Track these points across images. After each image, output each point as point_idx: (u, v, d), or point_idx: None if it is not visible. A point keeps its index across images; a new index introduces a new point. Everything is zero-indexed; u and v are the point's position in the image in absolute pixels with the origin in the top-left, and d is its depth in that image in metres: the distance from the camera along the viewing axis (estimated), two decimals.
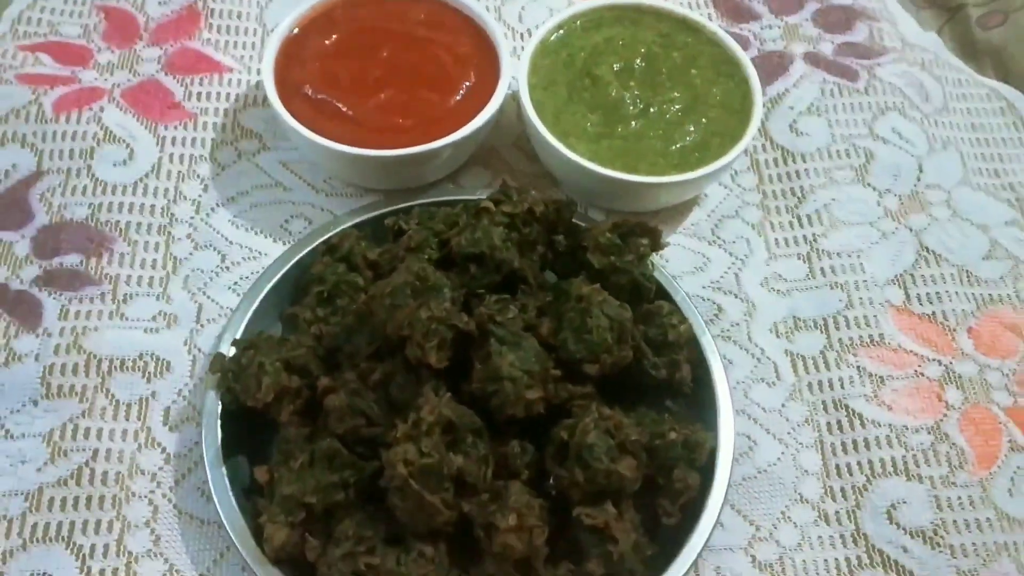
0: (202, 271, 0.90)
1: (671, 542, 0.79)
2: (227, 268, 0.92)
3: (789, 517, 0.81)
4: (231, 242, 0.92)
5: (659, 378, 0.82)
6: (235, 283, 0.90)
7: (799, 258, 0.94)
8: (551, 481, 0.78)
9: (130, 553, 0.78)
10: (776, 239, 0.97)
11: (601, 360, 0.78)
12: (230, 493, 0.79)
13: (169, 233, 0.92)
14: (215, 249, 0.93)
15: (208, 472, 0.79)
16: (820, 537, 0.80)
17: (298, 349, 0.80)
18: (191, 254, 0.92)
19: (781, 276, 0.95)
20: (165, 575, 0.78)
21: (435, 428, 0.71)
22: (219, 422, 0.81)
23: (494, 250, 0.81)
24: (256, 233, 0.92)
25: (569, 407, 0.78)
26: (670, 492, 0.79)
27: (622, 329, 0.79)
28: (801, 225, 0.98)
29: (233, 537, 0.76)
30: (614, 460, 0.74)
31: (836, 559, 0.81)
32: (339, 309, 0.84)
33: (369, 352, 0.80)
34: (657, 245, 0.86)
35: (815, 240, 0.97)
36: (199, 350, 0.87)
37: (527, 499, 0.73)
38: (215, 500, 0.78)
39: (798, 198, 0.98)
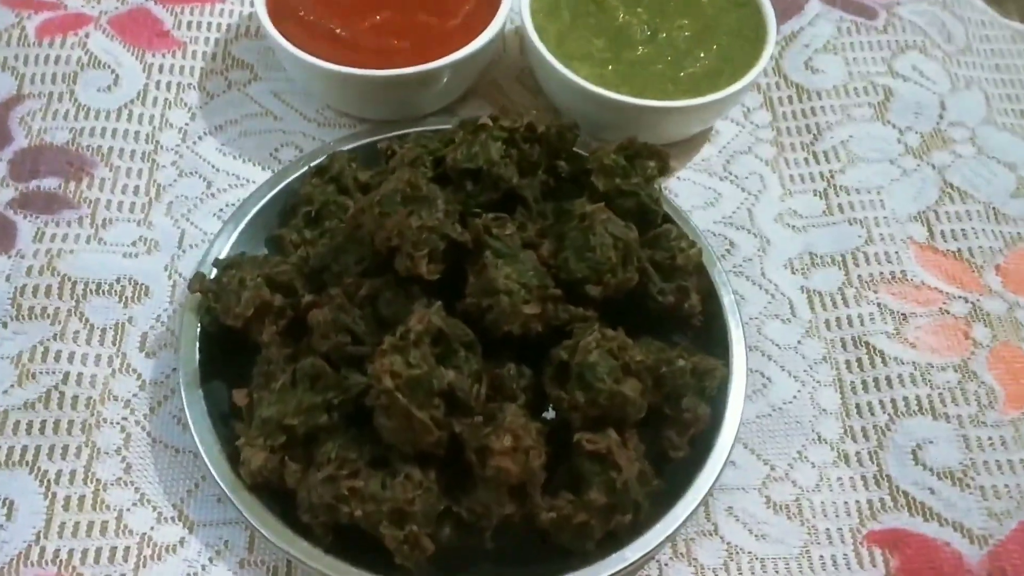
0: (186, 198, 0.86)
1: (679, 480, 0.73)
2: (213, 195, 0.87)
3: (806, 457, 0.76)
4: (218, 169, 0.88)
5: (666, 305, 0.77)
6: (220, 210, 0.86)
7: (815, 194, 0.90)
8: (550, 408, 0.73)
9: (98, 480, 0.73)
10: (791, 175, 0.93)
11: (604, 281, 0.73)
12: (207, 418, 0.73)
13: (153, 160, 0.87)
14: (201, 176, 0.89)
15: (183, 395, 0.74)
16: (840, 478, 0.75)
17: (282, 266, 0.75)
18: (175, 181, 0.88)
19: (797, 212, 0.90)
20: (135, 504, 0.72)
21: (424, 338, 0.66)
22: (197, 344, 0.76)
23: (492, 165, 0.76)
24: (244, 161, 0.88)
25: (569, 330, 0.72)
26: (678, 423, 0.74)
27: (627, 249, 0.74)
28: (817, 162, 0.93)
29: (208, 463, 0.71)
30: (617, 381, 0.69)
31: (858, 501, 0.75)
32: (327, 231, 0.79)
33: (358, 272, 0.74)
34: (665, 168, 0.81)
35: (832, 176, 0.92)
36: (180, 275, 0.82)
37: (523, 421, 0.68)
38: (190, 424, 0.73)
39: (813, 135, 0.94)
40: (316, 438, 0.70)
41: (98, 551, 0.70)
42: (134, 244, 0.82)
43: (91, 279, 0.81)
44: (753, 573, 0.72)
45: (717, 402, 0.76)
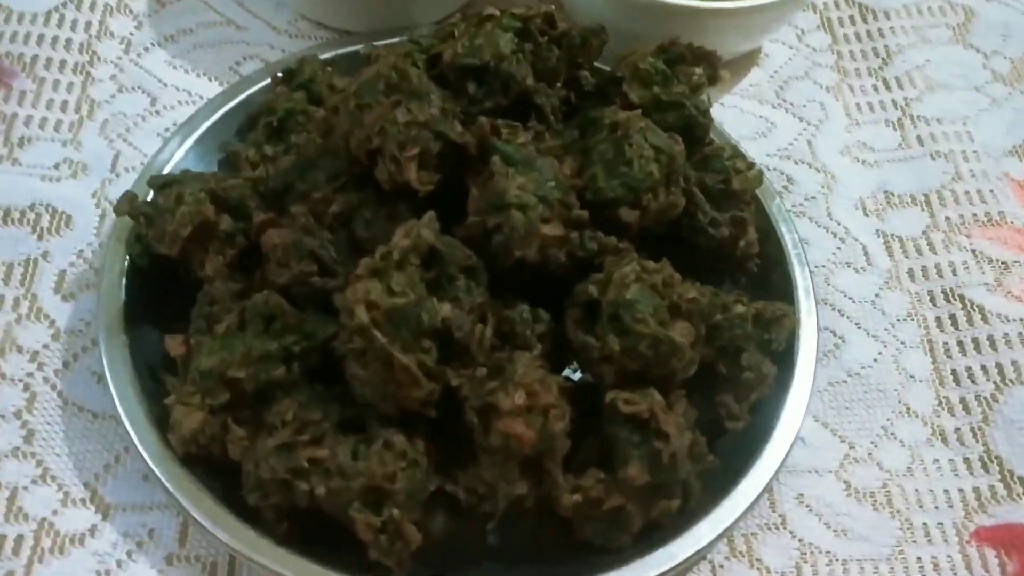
0: (125, 115, 0.73)
1: (737, 459, 0.58)
2: (157, 112, 0.73)
3: (893, 434, 0.64)
4: (165, 84, 0.74)
5: (718, 240, 0.62)
6: (166, 129, 0.71)
7: (888, 125, 0.79)
8: (573, 368, 0.59)
9: None
10: (857, 103, 0.80)
11: (643, 203, 0.58)
12: (132, 373, 0.58)
13: (88, 73, 0.75)
14: (144, 92, 0.74)
15: (103, 343, 0.58)
16: (937, 461, 0.63)
17: (232, 181, 0.59)
18: (113, 97, 0.74)
19: (866, 144, 0.77)
20: (35, 481, 0.57)
21: (411, 258, 0.50)
22: (124, 280, 0.60)
23: (500, 61, 0.60)
24: (198, 75, 0.75)
25: (599, 263, 0.56)
26: (736, 385, 0.59)
27: (672, 164, 0.58)
28: (888, 88, 0.81)
29: (130, 429, 0.56)
30: (663, 324, 0.53)
31: (961, 490, 0.61)
32: (293, 147, 0.63)
33: (331, 191, 0.58)
34: (715, 76, 0.66)
35: (907, 105, 0.79)
36: (111, 203, 0.67)
37: (541, 373, 0.52)
38: (109, 381, 0.57)
39: (882, 59, 0.82)
40: (269, 396, 0.54)
41: None
42: (56, 167, 0.69)
43: None
44: None
45: (782, 363, 0.61)
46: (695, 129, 0.64)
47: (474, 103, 0.61)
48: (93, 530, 0.56)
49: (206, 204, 0.57)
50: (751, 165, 0.63)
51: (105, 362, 0.57)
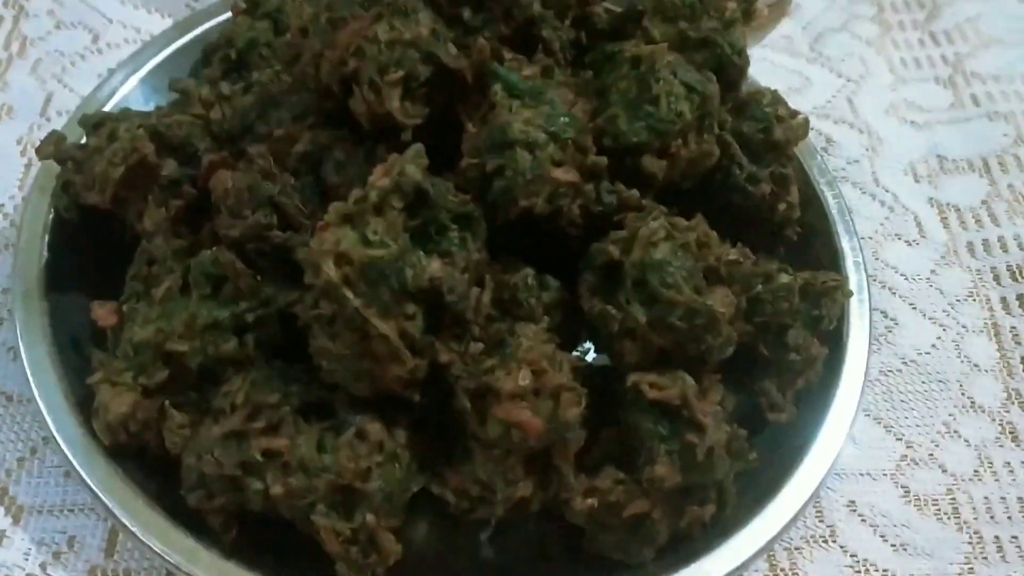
0: (62, 54, 0.66)
1: (779, 457, 0.50)
2: (99, 51, 0.66)
3: (957, 432, 0.56)
4: (110, 20, 0.68)
5: (757, 199, 0.53)
6: (109, 70, 0.60)
7: (938, 82, 0.72)
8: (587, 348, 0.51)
9: None
10: (902, 58, 0.74)
11: (671, 151, 0.48)
12: (51, 348, 0.49)
13: (20, 6, 0.63)
14: (86, 28, 0.68)
15: (18, 313, 0.49)
16: (1008, 464, 0.55)
17: (178, 116, 0.49)
18: (49, 33, 0.68)
19: (915, 104, 0.70)
20: None
21: (392, 200, 0.40)
22: (46, 238, 0.50)
23: None
24: (149, 11, 0.68)
25: (619, 223, 0.46)
26: (780, 370, 0.51)
27: (705, 106, 0.49)
28: (936, 43, 0.75)
29: (48, 416, 0.47)
30: (699, 291, 0.43)
31: None
32: (254, 85, 0.53)
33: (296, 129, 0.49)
34: (751, 10, 0.57)
35: (959, 61, 0.73)
36: None
37: (550, 348, 0.43)
38: (24, 358, 0.46)
39: (928, 11, 0.78)
40: (217, 375, 0.45)
41: None
42: None
43: None
44: None
45: (830, 347, 0.52)
46: (729, 72, 0.55)
47: (470, 33, 0.51)
48: (0, 537, 0.47)
49: (144, 141, 0.47)
50: (795, 113, 0.54)
51: (20, 333, 0.49)
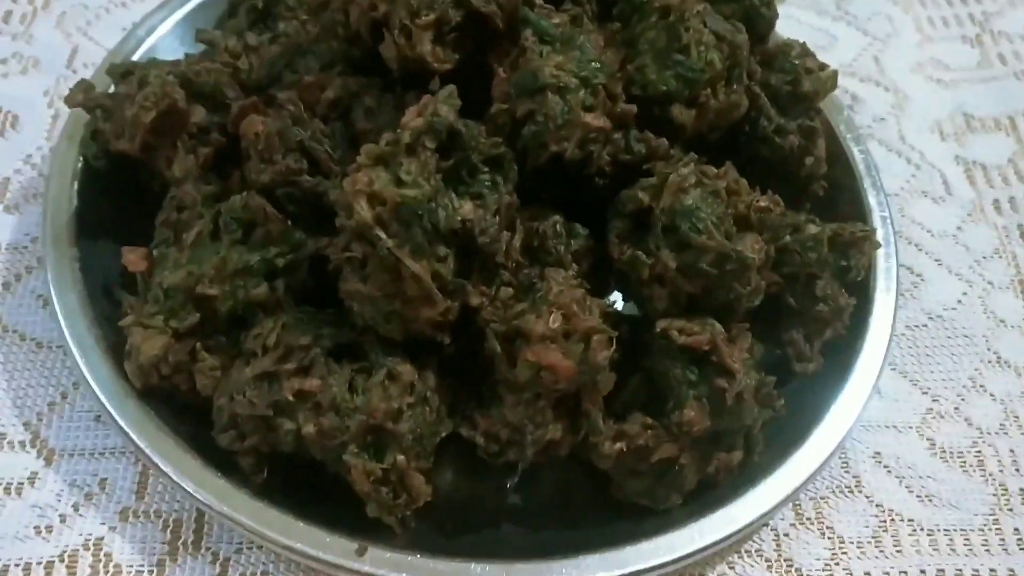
0: (86, 7, 0.66)
1: (806, 409, 0.49)
2: (123, 4, 0.66)
3: (983, 386, 0.56)
4: None
5: (785, 152, 0.52)
6: (134, 23, 0.60)
7: (965, 41, 0.71)
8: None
9: None
10: (929, 17, 0.73)
11: (700, 100, 0.48)
12: (83, 295, 0.49)
13: None
14: None
15: (50, 260, 0.49)
16: None
17: (207, 64, 0.49)
18: None
19: (941, 62, 0.69)
20: None
21: (425, 140, 0.40)
22: (75, 186, 0.50)
23: None
24: None
25: (649, 170, 0.46)
26: (808, 320, 0.51)
27: (735, 56, 0.49)
28: (964, 2, 0.74)
29: (80, 360, 0.47)
30: (729, 237, 0.43)
31: None
32: (280, 36, 0.53)
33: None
34: None
35: (986, 20, 0.72)
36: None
37: (580, 292, 0.43)
38: (55, 304, 0.47)
39: None
40: (247, 320, 0.44)
41: None
42: (3, 62, 0.62)
43: None
44: (919, 551, 0.48)
45: (857, 300, 0.52)
46: (757, 24, 0.54)
47: None
48: (33, 479, 0.48)
49: (174, 87, 0.47)
50: (823, 65, 0.54)
51: (51, 279, 0.49)
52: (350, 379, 0.42)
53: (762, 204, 0.46)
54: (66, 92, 0.57)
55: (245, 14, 0.56)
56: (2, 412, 0.48)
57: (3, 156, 0.57)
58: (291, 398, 0.42)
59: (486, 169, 0.42)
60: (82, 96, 0.51)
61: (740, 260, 0.44)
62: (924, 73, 0.68)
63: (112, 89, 0.52)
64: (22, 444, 0.48)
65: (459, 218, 0.41)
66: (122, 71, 0.52)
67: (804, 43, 0.55)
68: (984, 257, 0.60)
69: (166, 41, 0.58)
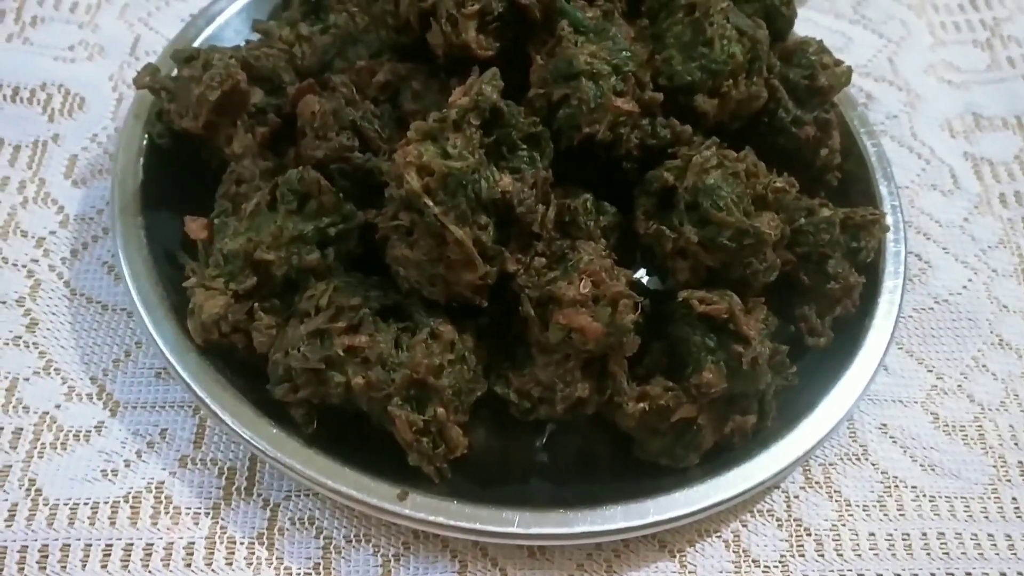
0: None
1: (816, 380, 0.52)
2: None
3: (985, 366, 0.58)
4: None
5: (801, 142, 0.56)
6: (191, 15, 0.64)
7: (975, 45, 0.73)
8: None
9: None
10: (942, 22, 0.75)
11: (723, 90, 0.51)
12: (148, 260, 0.52)
13: None
14: None
15: (118, 227, 0.53)
16: None
17: (266, 49, 0.53)
18: None
19: (953, 64, 0.72)
20: (38, 373, 0.51)
21: (470, 117, 0.44)
22: (141, 161, 0.54)
23: None
24: None
25: (674, 154, 0.50)
26: (819, 296, 0.54)
27: (756, 49, 0.52)
28: (976, 8, 0.76)
29: (146, 319, 0.50)
30: (748, 213, 0.47)
31: None
32: (332, 27, 0.57)
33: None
34: None
35: (996, 25, 0.74)
36: (129, 88, 0.61)
37: (608, 262, 0.46)
38: (123, 267, 0.51)
39: None
40: (299, 283, 0.48)
41: None
42: (71, 48, 0.64)
43: (6, 83, 0.61)
44: (920, 515, 0.50)
45: (866, 281, 0.54)
46: (777, 22, 0.58)
47: None
48: (100, 427, 0.51)
49: (237, 69, 0.51)
50: (838, 62, 0.57)
51: (119, 244, 0.52)
52: (396, 337, 0.46)
53: (778, 185, 0.49)
54: (129, 77, 0.62)
55: (298, 6, 0.60)
56: (71, 367, 0.52)
57: (72, 135, 0.60)
58: (341, 353, 0.45)
59: (524, 146, 0.46)
60: (149, 79, 0.55)
61: (757, 236, 0.47)
62: (936, 74, 0.71)
63: (175, 73, 0.56)
64: (89, 396, 0.51)
65: (499, 190, 0.44)
66: (186, 56, 0.55)
67: (821, 41, 0.58)
68: (989, 247, 0.62)
69: (224, 31, 0.61)
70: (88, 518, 0.47)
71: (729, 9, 0.53)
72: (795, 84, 0.56)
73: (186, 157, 0.55)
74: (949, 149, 0.67)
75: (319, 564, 0.47)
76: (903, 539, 0.50)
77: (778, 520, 0.50)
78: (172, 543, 0.47)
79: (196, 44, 0.60)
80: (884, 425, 0.54)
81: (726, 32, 0.52)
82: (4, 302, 0.53)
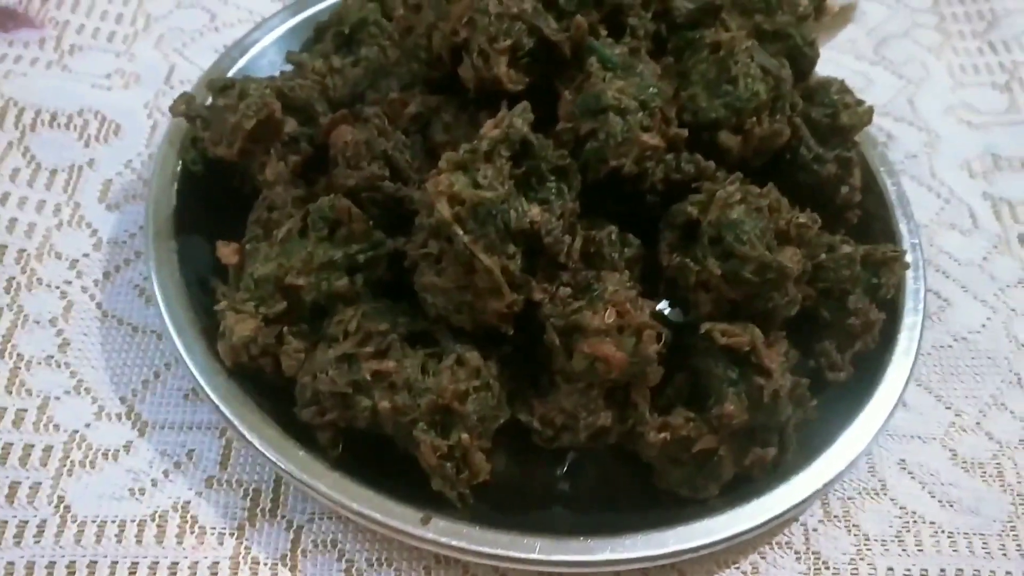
0: (182, 31, 0.70)
1: (836, 414, 0.52)
2: (216, 30, 0.70)
3: (1004, 404, 0.58)
4: (226, 2, 0.69)
5: (822, 179, 0.56)
6: (225, 46, 0.66)
7: (995, 87, 0.74)
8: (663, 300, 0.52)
9: (19, 356, 0.53)
10: (961, 64, 0.76)
11: (746, 127, 0.52)
12: (180, 283, 0.53)
13: None
14: (203, 8, 0.71)
15: (151, 250, 0.54)
16: None
17: (300, 81, 0.54)
18: (171, 12, 0.71)
19: (972, 106, 0.72)
20: (69, 392, 0.52)
21: (501, 149, 0.45)
22: (175, 186, 0.55)
23: None
24: None
25: (697, 188, 0.51)
26: (840, 332, 0.54)
27: (779, 88, 0.53)
28: (995, 51, 0.77)
29: (177, 341, 0.51)
30: (770, 248, 0.47)
31: None
32: (362, 60, 0.58)
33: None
34: (823, 6, 0.60)
35: (1015, 68, 0.75)
36: (163, 115, 0.62)
37: (632, 293, 0.47)
38: (156, 290, 0.52)
39: (987, 22, 0.79)
40: (328, 309, 0.49)
41: (6, 448, 0.49)
42: (108, 77, 0.65)
43: (45, 108, 0.62)
44: (939, 551, 0.51)
45: (887, 318, 0.55)
46: (800, 62, 0.58)
47: (563, 16, 0.55)
48: (128, 446, 0.51)
49: (272, 98, 0.52)
50: (860, 101, 0.58)
51: (153, 267, 0.53)
52: (422, 362, 0.46)
53: (801, 221, 0.50)
54: (164, 105, 0.64)
55: (331, 39, 0.61)
56: (101, 387, 0.52)
57: (107, 160, 0.61)
58: (369, 377, 0.46)
59: (553, 178, 0.47)
60: (184, 107, 0.56)
61: (779, 270, 0.48)
62: (955, 115, 0.71)
63: (209, 102, 0.57)
64: (119, 416, 0.52)
65: (528, 220, 0.45)
66: (221, 85, 0.57)
67: (843, 80, 0.59)
68: (1008, 286, 0.62)
69: (257, 61, 0.63)
70: (115, 536, 0.48)
71: (753, 48, 0.54)
72: (817, 122, 0.57)
73: (219, 183, 0.56)
74: (968, 189, 0.67)
75: None
76: (921, 574, 0.50)
77: (796, 552, 0.51)
78: (197, 562, 0.47)
79: (230, 74, 0.61)
80: (903, 460, 0.54)
81: (750, 71, 0.53)
82: (38, 322, 0.54)
